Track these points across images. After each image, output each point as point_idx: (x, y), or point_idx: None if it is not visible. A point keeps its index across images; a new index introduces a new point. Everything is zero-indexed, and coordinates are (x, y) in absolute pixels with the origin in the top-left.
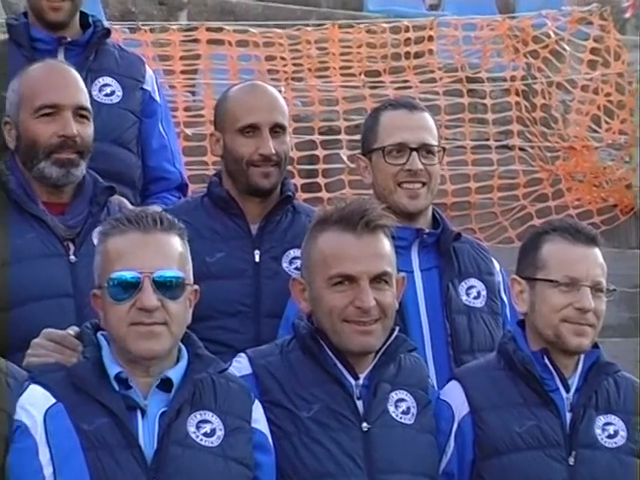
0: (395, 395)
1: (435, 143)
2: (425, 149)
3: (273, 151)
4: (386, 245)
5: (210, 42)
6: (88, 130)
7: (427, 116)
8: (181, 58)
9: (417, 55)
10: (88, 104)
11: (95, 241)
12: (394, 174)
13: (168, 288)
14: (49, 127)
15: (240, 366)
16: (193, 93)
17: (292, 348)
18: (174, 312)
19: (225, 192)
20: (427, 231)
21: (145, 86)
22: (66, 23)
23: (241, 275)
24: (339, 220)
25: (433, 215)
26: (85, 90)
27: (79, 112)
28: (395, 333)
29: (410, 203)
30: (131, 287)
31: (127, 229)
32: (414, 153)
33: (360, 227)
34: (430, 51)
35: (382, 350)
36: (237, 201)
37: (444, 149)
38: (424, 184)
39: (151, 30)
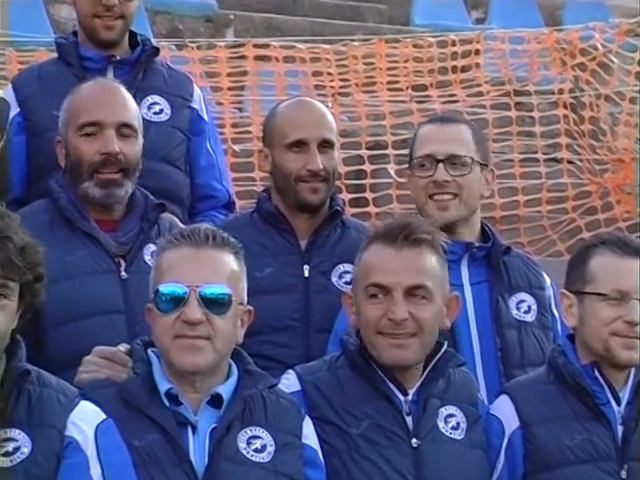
0: (445, 410)
1: (465, 154)
2: (453, 160)
3: (321, 167)
4: (428, 260)
5: (257, 58)
6: (134, 147)
7: (461, 128)
8: (228, 75)
9: (464, 69)
10: (135, 121)
11: (146, 258)
12: (424, 186)
13: (214, 303)
14: (92, 145)
15: (289, 383)
16: (240, 109)
17: (341, 364)
18: (219, 328)
19: (274, 208)
20: (477, 245)
21: (193, 104)
22: (117, 42)
23: (290, 290)
24: (383, 234)
25: (482, 229)
26: (133, 108)
27: (123, 130)
28: (444, 348)
29: (440, 215)
30: (178, 300)
31: (180, 244)
32: (440, 164)
33: (400, 240)
34: (477, 65)
35: (431, 365)
36: (286, 216)
37: (479, 161)
38: (455, 195)
39: (198, 47)
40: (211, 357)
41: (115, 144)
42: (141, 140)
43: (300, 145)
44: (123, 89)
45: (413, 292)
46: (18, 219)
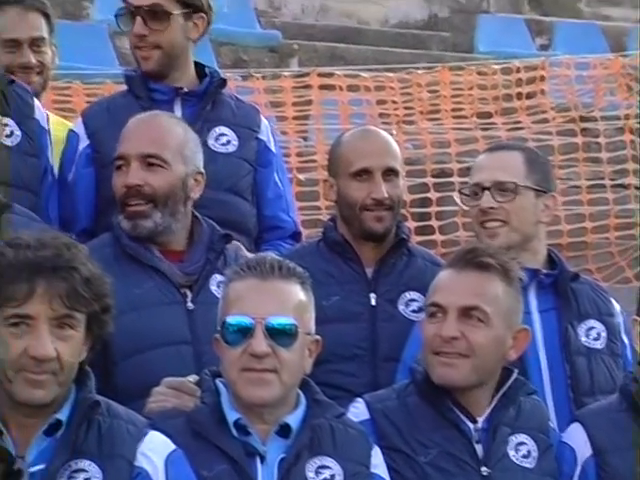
0: (515, 438)
1: (509, 179)
2: (498, 187)
3: (386, 195)
4: (490, 284)
5: (321, 87)
6: (163, 178)
7: (511, 154)
8: (293, 104)
9: (529, 95)
10: (165, 152)
11: (212, 288)
12: (475, 215)
13: (280, 335)
14: (120, 179)
15: (357, 411)
16: (305, 138)
17: (409, 393)
18: (285, 360)
19: (340, 236)
20: (544, 272)
21: (260, 136)
22: (160, 72)
23: (357, 318)
24: (452, 258)
25: (549, 256)
26: (166, 139)
27: (148, 160)
28: (514, 376)
29: (490, 242)
30: (244, 332)
31: (246, 275)
32: (486, 192)
33: (463, 262)
34: (542, 91)
35: (500, 393)
36: (352, 245)
37: (531, 187)
38: (504, 222)
39: (263, 77)
40: (278, 390)
41: (135, 176)
42: (180, 170)
43: (364, 174)
44: (162, 120)
45: (468, 313)
46: (86, 250)
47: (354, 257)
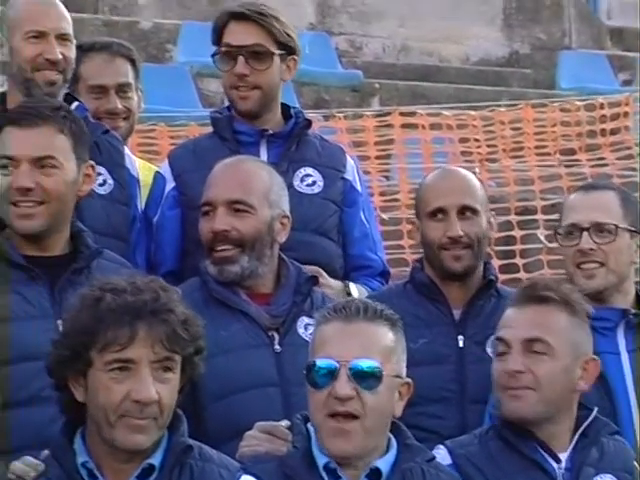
0: (600, 479)
1: (609, 221)
2: (597, 228)
3: (460, 233)
4: (552, 316)
5: (403, 126)
6: (249, 222)
7: (607, 195)
8: (375, 143)
9: (612, 132)
10: (249, 197)
11: (300, 331)
12: (571, 256)
13: (365, 378)
14: (207, 224)
15: (439, 457)
16: (388, 178)
17: (491, 437)
18: (369, 404)
19: (427, 278)
20: (633, 312)
21: (346, 176)
22: (256, 112)
23: (445, 361)
24: (514, 295)
25: (637, 295)
26: (250, 184)
27: (235, 206)
28: (593, 414)
29: (586, 283)
30: (329, 375)
31: (332, 318)
32: (585, 233)
33: (525, 298)
34: (626, 127)
35: (580, 430)
36: (439, 286)
37: (627, 228)
38: (601, 264)
39: (345, 117)
40: (360, 440)
41: (220, 222)
42: (266, 214)
43: (440, 213)
44: (247, 165)
45: (531, 346)
46: (179, 292)
47: (441, 298)
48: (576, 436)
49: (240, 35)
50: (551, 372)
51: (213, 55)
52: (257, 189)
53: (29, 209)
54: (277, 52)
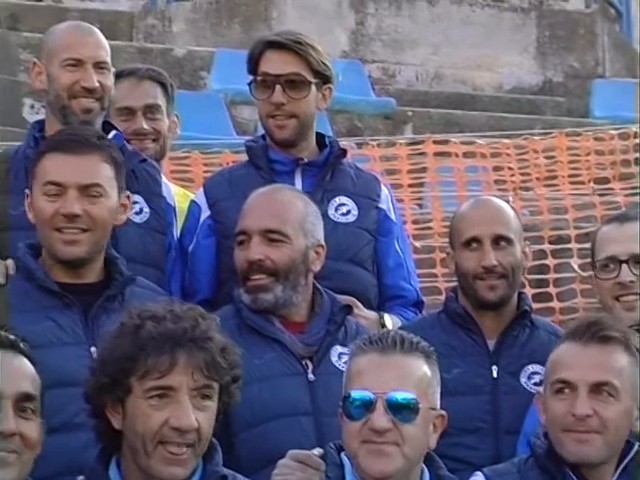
0: None
1: None
2: (637, 259)
3: (494, 263)
4: (616, 357)
5: (436, 154)
6: (284, 252)
7: None
8: (408, 171)
9: None
10: (284, 227)
11: (333, 359)
12: (609, 288)
13: (402, 410)
14: (242, 253)
15: None
16: (420, 206)
17: (530, 467)
18: (407, 435)
19: (461, 308)
20: None
21: (380, 205)
22: (293, 141)
23: (479, 391)
24: (573, 331)
25: None
26: (285, 214)
27: (269, 236)
28: (635, 449)
29: (627, 316)
30: (365, 407)
31: (368, 350)
32: (624, 265)
33: (587, 336)
34: None
35: (622, 466)
36: (473, 316)
37: None
38: None
39: (378, 145)
40: (399, 463)
41: (257, 251)
42: (301, 243)
43: (474, 242)
44: (283, 195)
45: (598, 389)
46: (217, 320)
47: (475, 328)
48: (618, 471)
49: (277, 64)
50: (617, 415)
51: (250, 83)
52: (292, 218)
53: (74, 235)
54: (314, 81)
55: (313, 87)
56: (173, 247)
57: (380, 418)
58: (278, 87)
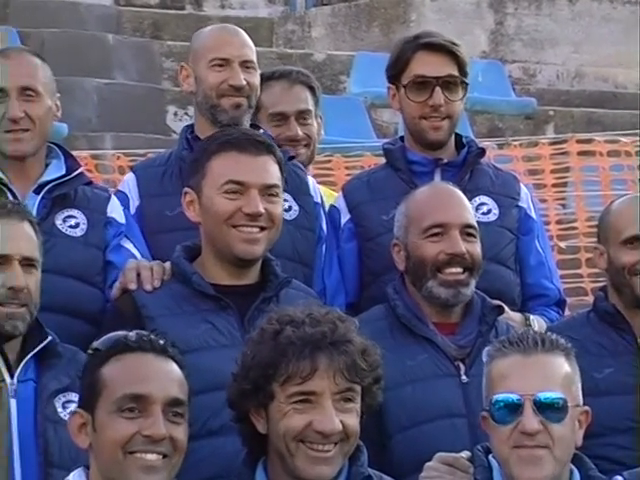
0: None
1: None
2: None
3: None
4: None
5: (580, 154)
6: (477, 247)
7: None
8: (551, 171)
9: None
10: (473, 222)
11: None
12: None
13: (550, 410)
14: (437, 245)
15: None
16: (564, 206)
17: None
18: (557, 435)
19: (611, 307)
20: None
21: (521, 203)
22: (444, 142)
23: (631, 391)
24: None
25: None
26: (470, 210)
27: (466, 230)
28: None
29: None
30: (512, 409)
31: (509, 351)
32: None
33: None
34: None
35: None
36: (624, 315)
37: None
38: None
39: (520, 145)
40: (550, 468)
41: (462, 245)
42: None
43: (636, 241)
44: (459, 191)
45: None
46: (356, 323)
47: (626, 327)
48: None
49: (434, 66)
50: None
51: (404, 86)
52: (472, 214)
53: (254, 234)
54: (465, 81)
55: (464, 88)
56: (323, 239)
57: (530, 420)
58: (437, 89)
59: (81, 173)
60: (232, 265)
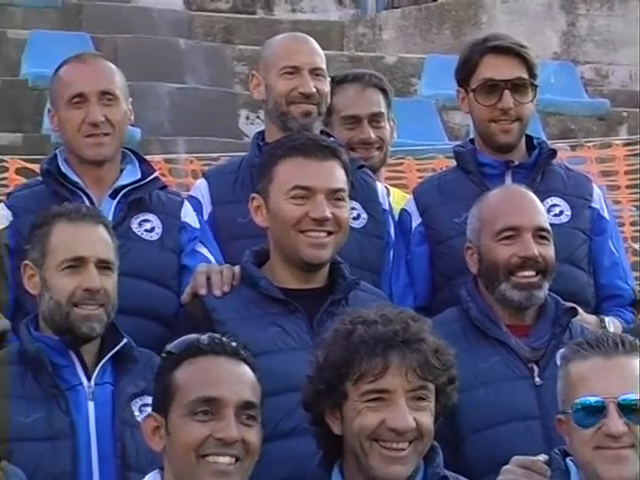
0: None
1: None
2: None
3: None
4: None
5: None
6: (550, 250)
7: None
8: (625, 173)
9: None
10: (546, 225)
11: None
12: None
13: (634, 412)
14: (510, 248)
15: None
16: (638, 207)
17: None
18: None
19: None
20: None
21: (593, 204)
22: (514, 145)
23: None
24: None
25: None
26: (544, 212)
27: (539, 233)
28: None
29: None
30: (596, 412)
31: (588, 354)
32: None
33: None
34: None
35: None
36: None
37: None
38: None
39: (593, 146)
40: (637, 466)
41: (534, 248)
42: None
43: None
44: (531, 194)
45: None
46: (429, 323)
47: None
48: None
49: (503, 69)
50: None
51: (473, 90)
52: (543, 216)
53: (322, 239)
54: (534, 83)
55: (534, 90)
56: (391, 245)
57: (616, 423)
58: (507, 92)
59: (156, 177)
60: (300, 269)
